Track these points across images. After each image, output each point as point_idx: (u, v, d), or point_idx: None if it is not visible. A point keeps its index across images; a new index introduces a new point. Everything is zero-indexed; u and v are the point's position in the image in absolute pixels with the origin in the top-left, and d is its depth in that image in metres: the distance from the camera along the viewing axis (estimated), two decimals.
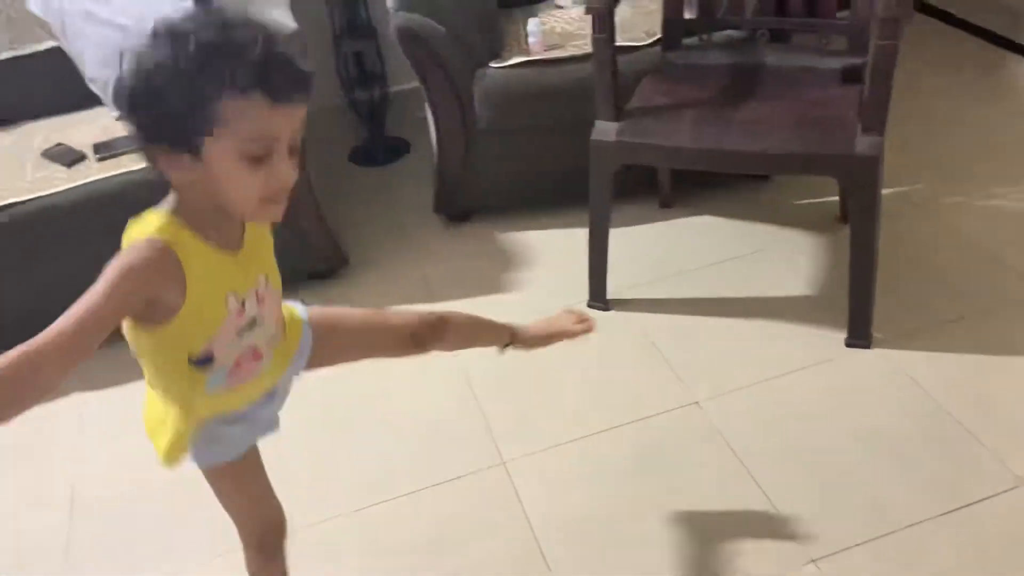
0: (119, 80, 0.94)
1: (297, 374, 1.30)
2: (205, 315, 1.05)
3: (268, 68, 0.91)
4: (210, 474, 1.25)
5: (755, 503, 1.70)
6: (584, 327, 1.56)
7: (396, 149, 3.11)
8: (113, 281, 0.93)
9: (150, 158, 0.98)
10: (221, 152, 0.94)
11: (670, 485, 1.76)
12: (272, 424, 1.28)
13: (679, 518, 1.70)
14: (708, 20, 2.35)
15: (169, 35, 0.92)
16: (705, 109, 2.12)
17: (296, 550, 1.67)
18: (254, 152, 0.95)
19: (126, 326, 1.05)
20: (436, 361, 2.12)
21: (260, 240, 1.15)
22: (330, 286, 2.46)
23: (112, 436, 2.05)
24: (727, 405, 1.92)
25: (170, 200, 1.02)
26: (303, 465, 1.90)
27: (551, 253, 2.49)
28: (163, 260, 0.98)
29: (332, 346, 1.33)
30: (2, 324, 2.20)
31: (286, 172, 0.97)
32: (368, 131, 3.09)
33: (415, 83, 2.63)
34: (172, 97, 0.91)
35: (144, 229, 0.99)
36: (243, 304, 1.09)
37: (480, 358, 2.11)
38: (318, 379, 2.17)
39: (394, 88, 3.08)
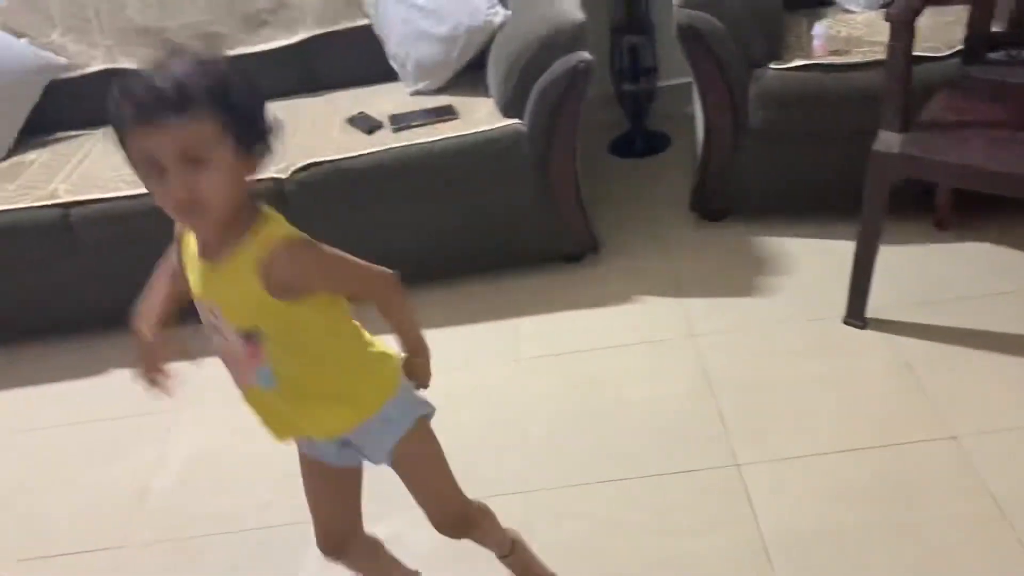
0: None
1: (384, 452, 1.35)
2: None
3: (127, 96, 1.01)
4: None
5: (1010, 555, 1.58)
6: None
7: (656, 143, 3.14)
8: None
9: None
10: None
11: (912, 519, 1.68)
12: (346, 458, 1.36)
13: (918, 556, 1.61)
14: (1018, 34, 2.17)
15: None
16: (1004, 129, 1.97)
17: (529, 511, 1.78)
18: (143, 171, 1.06)
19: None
20: (673, 355, 2.17)
21: (235, 276, 1.13)
22: (579, 270, 2.56)
23: None
24: (991, 445, 1.79)
25: None
26: (540, 433, 2.01)
27: (807, 263, 2.43)
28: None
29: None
30: None
31: (175, 184, 1.03)
32: (631, 123, 3.15)
33: (684, 79, 2.65)
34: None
35: None
36: (209, 309, 1.19)
37: (723, 357, 2.14)
38: (559, 359, 2.27)
39: (662, 83, 3.11)
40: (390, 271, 1.28)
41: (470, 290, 2.54)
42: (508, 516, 1.79)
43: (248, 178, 1.11)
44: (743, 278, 2.41)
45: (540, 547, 1.72)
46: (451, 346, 2.35)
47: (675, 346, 2.22)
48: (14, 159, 2.66)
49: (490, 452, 1.98)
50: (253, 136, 1.09)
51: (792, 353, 2.14)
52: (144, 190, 1.10)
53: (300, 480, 1.43)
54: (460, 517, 1.47)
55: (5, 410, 2.40)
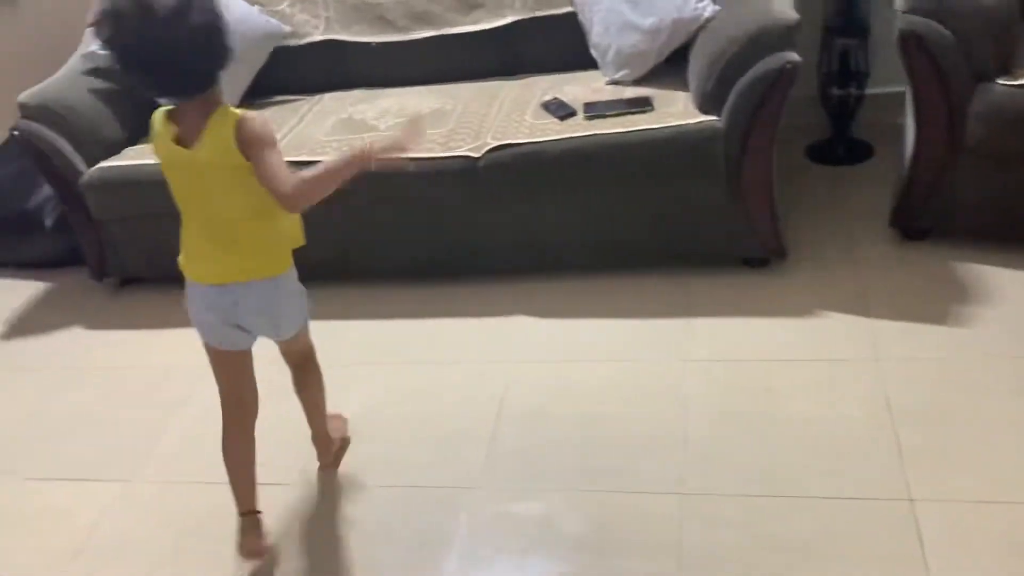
0: None
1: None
2: None
3: None
4: None
5: None
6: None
7: (858, 152, 2.99)
8: None
9: None
10: None
11: None
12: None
13: None
14: None
15: None
16: None
17: (684, 512, 1.76)
18: None
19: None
20: (853, 376, 2.07)
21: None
22: (762, 276, 2.48)
23: (544, 357, 2.31)
24: None
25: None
26: (701, 436, 1.98)
27: (1014, 295, 2.24)
28: None
29: None
30: (485, 249, 2.59)
31: None
32: (833, 129, 3.01)
33: (895, 87, 2.51)
34: None
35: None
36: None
37: (909, 385, 2.02)
38: (730, 365, 2.21)
39: (871, 90, 2.95)
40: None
41: (644, 283, 2.52)
42: (662, 514, 1.80)
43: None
44: (941, 304, 2.26)
45: (691, 551, 1.71)
46: (618, 337, 2.35)
47: (856, 367, 2.12)
48: None
49: (649, 448, 1.97)
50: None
51: (987, 390, 1.99)
52: None
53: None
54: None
55: None
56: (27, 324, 2.84)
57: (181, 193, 1.64)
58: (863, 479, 1.81)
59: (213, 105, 1.55)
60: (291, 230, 1.70)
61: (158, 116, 1.61)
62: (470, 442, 2.07)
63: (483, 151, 2.42)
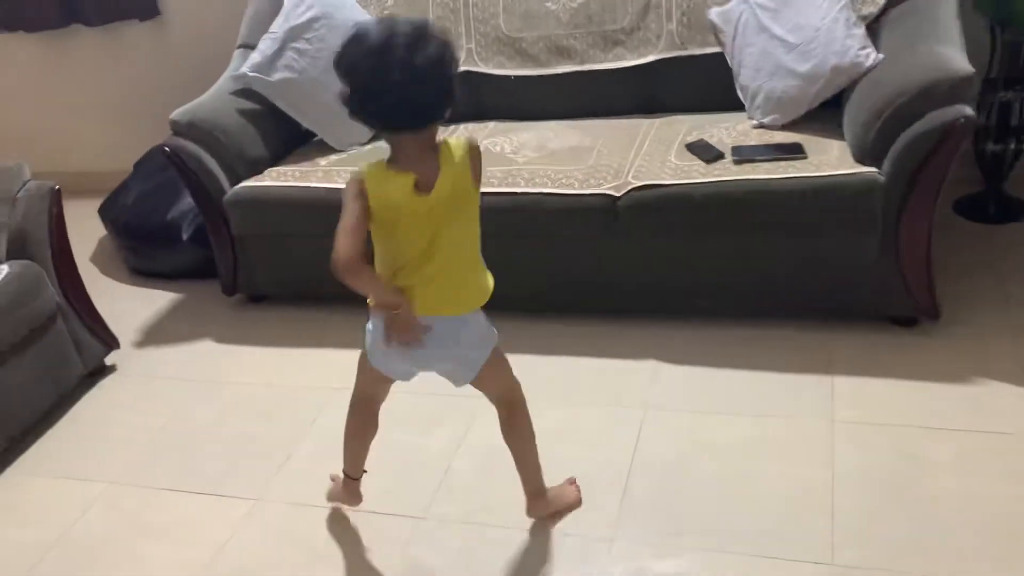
0: None
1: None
2: None
3: None
4: None
5: None
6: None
7: (1013, 210, 2.84)
8: None
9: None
10: None
11: None
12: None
13: None
14: None
15: None
16: None
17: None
18: None
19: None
20: (1014, 451, 1.94)
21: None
22: (911, 336, 2.36)
23: (679, 406, 2.24)
24: None
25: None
26: (850, 505, 1.87)
27: None
28: None
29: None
30: (620, 289, 2.53)
31: None
32: (987, 184, 2.86)
33: None
34: None
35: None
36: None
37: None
38: (879, 429, 2.09)
39: None
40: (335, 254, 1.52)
41: (784, 335, 2.43)
42: None
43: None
44: None
45: None
46: (758, 391, 2.26)
47: (1020, 443, 1.98)
48: (374, 144, 2.92)
49: (794, 513, 1.88)
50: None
51: None
52: None
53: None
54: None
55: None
56: (161, 334, 2.91)
57: (417, 236, 1.58)
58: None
59: (435, 141, 1.56)
60: None
61: (376, 170, 1.56)
62: (603, 491, 2.01)
63: (624, 191, 2.38)
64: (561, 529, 1.92)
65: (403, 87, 1.43)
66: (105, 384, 2.66)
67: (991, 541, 1.75)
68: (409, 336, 1.64)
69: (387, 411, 1.89)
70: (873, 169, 2.20)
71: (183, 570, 1.95)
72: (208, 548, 1.99)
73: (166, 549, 2.02)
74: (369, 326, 1.73)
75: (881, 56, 2.36)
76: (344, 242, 1.49)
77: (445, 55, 1.46)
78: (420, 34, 1.44)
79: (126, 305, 3.07)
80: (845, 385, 2.23)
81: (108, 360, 2.73)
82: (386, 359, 1.74)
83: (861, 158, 2.25)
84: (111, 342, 2.70)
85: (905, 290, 2.30)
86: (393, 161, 1.56)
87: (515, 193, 2.45)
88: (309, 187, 2.66)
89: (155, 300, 3.12)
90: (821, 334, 2.41)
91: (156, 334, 2.92)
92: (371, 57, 1.43)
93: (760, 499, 1.93)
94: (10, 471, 2.34)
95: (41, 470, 2.33)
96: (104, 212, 3.38)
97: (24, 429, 2.41)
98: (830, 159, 2.30)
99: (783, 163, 2.31)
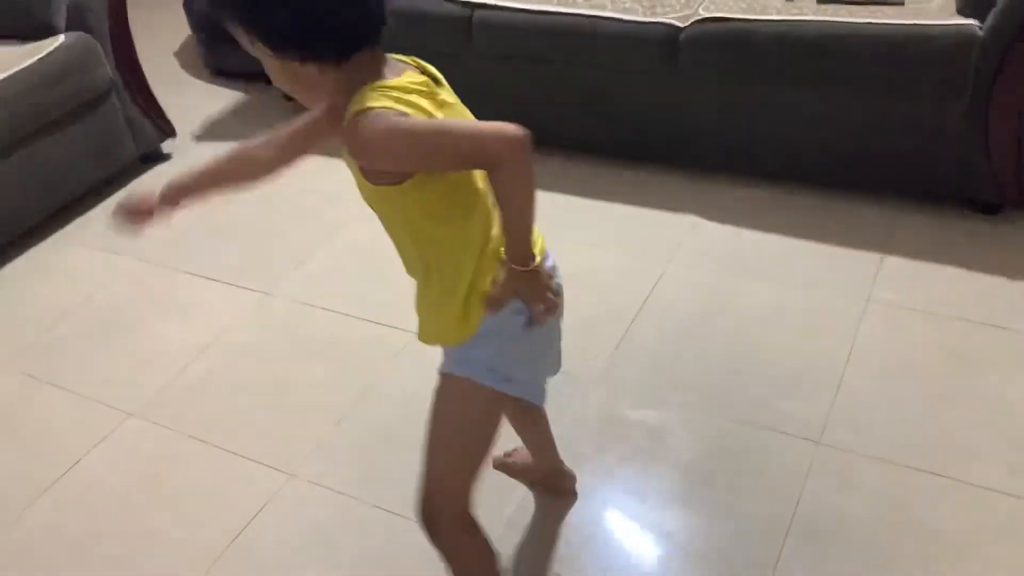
0: None
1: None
2: None
3: None
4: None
5: None
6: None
7: None
8: None
9: None
10: None
11: None
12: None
13: None
14: None
15: None
16: None
17: (816, 464, 1.55)
18: None
19: None
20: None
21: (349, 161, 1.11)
22: (988, 223, 2.11)
23: (707, 264, 2.09)
24: None
25: None
26: (862, 386, 1.71)
27: None
28: None
29: None
30: (670, 135, 2.35)
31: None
32: None
33: None
34: None
35: None
36: None
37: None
38: (918, 316, 1.88)
39: None
40: (514, 128, 0.93)
41: (843, 206, 2.21)
42: (790, 461, 1.59)
43: (313, 70, 1.00)
44: None
45: (809, 508, 1.49)
46: (798, 260, 2.08)
47: None
48: None
49: (797, 387, 1.74)
50: (277, 41, 0.99)
51: None
52: None
53: None
54: (435, 509, 1.17)
55: None
56: (221, 130, 2.94)
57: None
58: None
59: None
60: None
61: (390, 93, 0.99)
62: (601, 336, 1.91)
63: (690, 20, 2.15)
64: None
65: None
66: (159, 169, 2.72)
67: (1012, 449, 1.57)
68: (549, 296, 1.15)
69: None
70: (974, 21, 1.89)
71: (181, 348, 2.01)
72: (208, 332, 2.04)
73: (174, 327, 2.08)
74: (477, 353, 1.14)
75: None
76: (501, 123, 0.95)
77: None
78: None
79: (195, 100, 3.12)
80: (896, 266, 2.02)
81: (165, 148, 2.78)
82: (532, 364, 1.24)
83: (962, 9, 1.93)
84: (167, 129, 2.74)
85: (989, 170, 2.02)
86: (378, 80, 1.01)
87: (569, 15, 2.25)
88: None
89: (224, 98, 3.14)
90: (887, 211, 2.18)
91: (216, 129, 2.95)
92: None
93: (763, 366, 1.80)
94: (54, 237, 2.45)
95: (81, 239, 2.44)
96: (187, 4, 3.38)
97: (71, 200, 2.51)
98: (930, 7, 2.00)
99: (875, 7, 2.02)
